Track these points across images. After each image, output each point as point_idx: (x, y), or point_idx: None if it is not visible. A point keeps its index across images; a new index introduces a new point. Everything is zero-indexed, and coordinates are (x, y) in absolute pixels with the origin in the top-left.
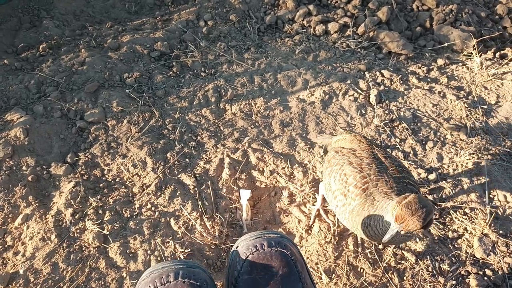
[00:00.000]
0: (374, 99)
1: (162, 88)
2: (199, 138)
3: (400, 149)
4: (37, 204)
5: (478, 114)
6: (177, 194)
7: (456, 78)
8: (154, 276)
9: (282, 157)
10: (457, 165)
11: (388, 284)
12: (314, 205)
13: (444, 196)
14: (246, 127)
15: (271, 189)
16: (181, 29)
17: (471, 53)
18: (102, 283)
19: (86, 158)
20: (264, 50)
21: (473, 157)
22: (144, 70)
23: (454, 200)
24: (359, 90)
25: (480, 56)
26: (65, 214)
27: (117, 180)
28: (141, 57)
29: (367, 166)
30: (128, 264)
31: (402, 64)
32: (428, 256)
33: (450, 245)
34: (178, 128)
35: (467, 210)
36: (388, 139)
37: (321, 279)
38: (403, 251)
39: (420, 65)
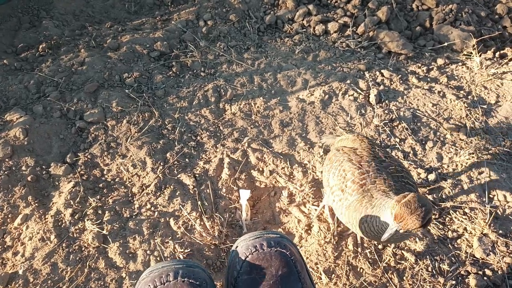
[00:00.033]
0: (374, 99)
1: (162, 88)
2: (198, 138)
3: (400, 149)
4: (36, 204)
5: (478, 114)
6: (177, 194)
7: (456, 77)
8: (154, 275)
9: (281, 157)
10: (456, 165)
11: (387, 284)
12: (314, 205)
13: (443, 196)
14: (246, 127)
15: (271, 189)
16: (181, 29)
17: (471, 52)
18: (102, 283)
19: (86, 158)
20: (263, 50)
21: (472, 157)
22: (143, 70)
23: (453, 200)
24: (358, 90)
25: (480, 55)
26: (64, 214)
27: (116, 180)
28: (140, 57)
29: (367, 163)
30: (127, 264)
31: (402, 64)
32: (427, 256)
33: (449, 245)
34: (178, 128)
35: (466, 210)
36: (388, 139)
37: (321, 279)
38: (402, 251)
39: (420, 65)
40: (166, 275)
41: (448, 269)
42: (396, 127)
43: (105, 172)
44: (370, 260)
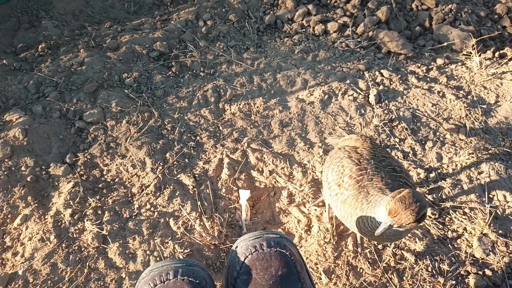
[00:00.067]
0: (374, 99)
1: (161, 88)
2: (198, 138)
3: (400, 149)
4: (36, 204)
5: (478, 113)
6: (176, 194)
7: (456, 77)
8: (154, 274)
9: (281, 157)
10: (456, 165)
11: (387, 284)
12: (314, 205)
13: (443, 196)
14: (246, 127)
15: (271, 189)
16: (180, 29)
17: (471, 52)
18: (101, 283)
19: (85, 159)
20: (263, 50)
21: (472, 157)
22: (143, 70)
23: (453, 200)
24: (358, 90)
25: (480, 55)
26: (64, 215)
27: (116, 180)
28: (140, 57)
29: (366, 161)
30: (127, 265)
31: (401, 64)
32: (427, 256)
33: (449, 245)
34: (177, 128)
35: (466, 210)
36: (388, 139)
37: (321, 279)
38: (402, 251)
39: (419, 65)
40: (166, 273)
41: (448, 269)
42: (395, 127)
43: (104, 173)
44: (370, 260)
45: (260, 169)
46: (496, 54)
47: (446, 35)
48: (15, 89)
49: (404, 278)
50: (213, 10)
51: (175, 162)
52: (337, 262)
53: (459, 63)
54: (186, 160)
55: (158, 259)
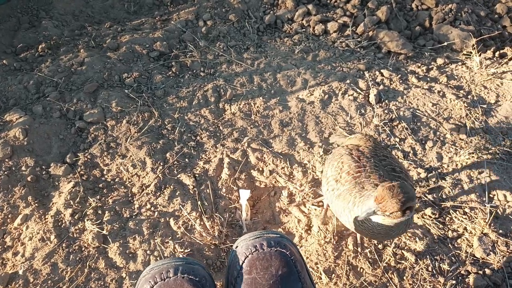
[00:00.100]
0: (374, 99)
1: (161, 88)
2: (198, 138)
3: (400, 148)
4: (36, 204)
5: (478, 113)
6: (177, 194)
7: (456, 77)
8: (154, 272)
9: (281, 157)
10: (456, 165)
11: (388, 284)
12: (314, 205)
13: (443, 196)
14: (246, 127)
15: (271, 189)
16: (180, 29)
17: (471, 52)
18: (102, 283)
19: (86, 158)
20: (263, 49)
21: (472, 157)
22: (143, 70)
23: (454, 200)
24: (358, 90)
25: (480, 55)
26: (64, 215)
27: (116, 180)
28: (140, 57)
29: (366, 159)
30: (127, 264)
31: (401, 64)
32: (428, 256)
33: (450, 245)
34: (178, 128)
35: (467, 210)
36: (388, 138)
37: (321, 279)
38: (402, 251)
39: (419, 65)
40: (167, 271)
41: (448, 268)
42: (396, 127)
43: (105, 172)
44: (370, 260)
45: (260, 169)
46: (496, 53)
47: (446, 34)
48: (15, 89)
49: (405, 277)
50: (213, 10)
51: (175, 162)
52: (337, 261)
53: (459, 63)
54: (186, 160)
55: (158, 259)
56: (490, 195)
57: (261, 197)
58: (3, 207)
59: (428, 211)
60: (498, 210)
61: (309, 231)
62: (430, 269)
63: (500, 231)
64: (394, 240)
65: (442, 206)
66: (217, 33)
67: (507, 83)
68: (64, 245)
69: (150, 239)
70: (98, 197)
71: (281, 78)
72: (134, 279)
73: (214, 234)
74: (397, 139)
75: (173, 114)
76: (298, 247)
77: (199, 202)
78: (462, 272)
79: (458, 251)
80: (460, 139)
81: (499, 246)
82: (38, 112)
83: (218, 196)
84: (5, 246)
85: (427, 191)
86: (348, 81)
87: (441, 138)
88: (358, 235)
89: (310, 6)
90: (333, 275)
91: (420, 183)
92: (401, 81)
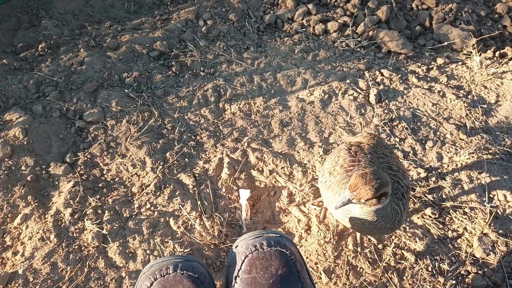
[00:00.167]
0: (374, 99)
1: (161, 88)
2: (198, 137)
3: (400, 148)
4: (36, 204)
5: (478, 113)
6: (177, 194)
7: (456, 77)
8: (154, 269)
9: (281, 156)
10: (456, 165)
11: (387, 284)
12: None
13: (443, 196)
14: (246, 126)
15: (271, 189)
16: (180, 29)
17: (471, 52)
18: (101, 283)
19: (85, 158)
20: (263, 49)
21: (472, 157)
22: (143, 70)
23: (454, 200)
24: (358, 90)
25: (480, 55)
26: (64, 214)
27: (116, 180)
28: (140, 57)
29: (363, 154)
30: (127, 264)
31: (401, 63)
32: (427, 256)
33: (449, 245)
34: (177, 127)
35: (466, 210)
36: (388, 138)
37: (321, 278)
38: (402, 251)
39: (419, 64)
40: (166, 268)
41: (448, 268)
42: (396, 127)
43: (104, 172)
44: (370, 259)
45: (260, 169)
46: (497, 53)
47: (446, 34)
48: (15, 88)
49: (404, 277)
50: (213, 9)
51: (175, 162)
52: (337, 261)
53: (460, 63)
54: (186, 159)
55: (158, 258)
56: (490, 195)
57: (261, 197)
58: (2, 207)
59: (428, 211)
60: (498, 210)
61: (309, 231)
62: (430, 269)
63: (500, 231)
64: (393, 240)
65: (442, 206)
66: (217, 32)
67: (507, 83)
68: (63, 244)
69: (149, 239)
70: (98, 196)
71: (281, 78)
72: (134, 279)
73: (214, 233)
74: (397, 139)
75: (173, 113)
76: (298, 247)
77: (199, 202)
78: (462, 272)
79: (458, 251)
80: (460, 139)
81: (499, 246)
82: (38, 111)
83: (218, 196)
84: (5, 246)
85: (427, 191)
86: (348, 81)
87: (441, 138)
88: (358, 235)
89: (310, 6)
90: (333, 275)
91: (420, 183)
92: (401, 81)
